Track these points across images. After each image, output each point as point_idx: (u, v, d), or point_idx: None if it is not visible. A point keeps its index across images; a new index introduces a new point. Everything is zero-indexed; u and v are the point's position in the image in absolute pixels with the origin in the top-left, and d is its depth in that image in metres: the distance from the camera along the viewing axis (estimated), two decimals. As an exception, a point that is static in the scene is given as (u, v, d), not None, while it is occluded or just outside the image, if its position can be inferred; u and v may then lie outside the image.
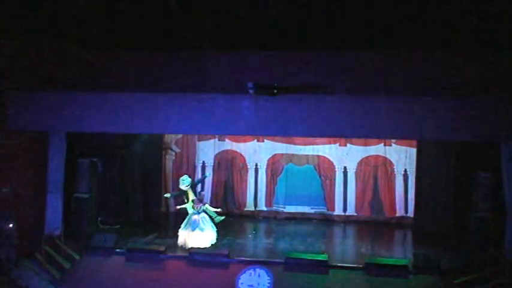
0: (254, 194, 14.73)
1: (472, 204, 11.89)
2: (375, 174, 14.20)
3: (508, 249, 10.48)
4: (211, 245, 11.50)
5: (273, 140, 14.49)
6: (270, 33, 9.91)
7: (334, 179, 14.39)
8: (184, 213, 11.88)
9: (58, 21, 10.38)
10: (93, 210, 13.31)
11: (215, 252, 11.16)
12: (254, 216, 14.58)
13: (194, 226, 11.49)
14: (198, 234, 11.44)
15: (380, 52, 9.95)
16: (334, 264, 10.71)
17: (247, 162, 14.77)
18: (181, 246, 11.47)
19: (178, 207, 12.41)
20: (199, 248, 11.27)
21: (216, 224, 11.71)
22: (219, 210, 12.06)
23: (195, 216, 11.60)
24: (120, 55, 10.81)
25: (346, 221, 14.28)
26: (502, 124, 9.56)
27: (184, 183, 11.61)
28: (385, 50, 9.94)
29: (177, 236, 11.67)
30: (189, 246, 11.33)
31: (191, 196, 11.62)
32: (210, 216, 11.77)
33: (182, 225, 11.67)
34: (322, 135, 12.87)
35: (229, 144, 14.86)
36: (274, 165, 14.66)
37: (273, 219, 14.53)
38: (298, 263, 10.69)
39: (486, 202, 11.65)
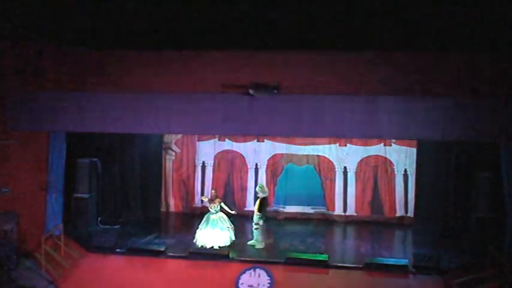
0: (254, 194, 14.72)
1: (472, 204, 11.89)
2: (375, 174, 14.19)
3: (508, 249, 10.49)
4: (230, 243, 11.59)
5: (273, 140, 14.48)
6: (270, 33, 9.91)
7: (334, 179, 14.38)
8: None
9: (58, 22, 10.38)
10: (93, 210, 13.34)
11: (215, 252, 11.18)
12: (254, 216, 14.58)
13: (213, 225, 11.55)
14: (218, 233, 11.48)
15: (380, 52, 9.95)
16: (334, 264, 10.71)
17: (247, 162, 14.77)
18: (202, 246, 11.48)
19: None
20: (220, 246, 11.38)
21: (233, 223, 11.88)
22: (233, 212, 12.06)
23: (213, 216, 11.65)
24: (120, 55, 10.80)
25: (346, 221, 14.27)
26: (502, 124, 9.57)
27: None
28: (384, 50, 9.94)
29: (176, 236, 11.71)
30: (210, 246, 11.39)
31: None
32: (228, 215, 11.83)
33: (200, 226, 11.70)
34: (322, 135, 12.87)
35: (229, 144, 14.86)
36: (274, 165, 14.66)
37: (273, 219, 14.53)
38: (298, 263, 10.69)
39: (486, 202, 11.66)
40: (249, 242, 11.92)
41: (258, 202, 11.94)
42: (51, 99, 10.93)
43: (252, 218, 11.91)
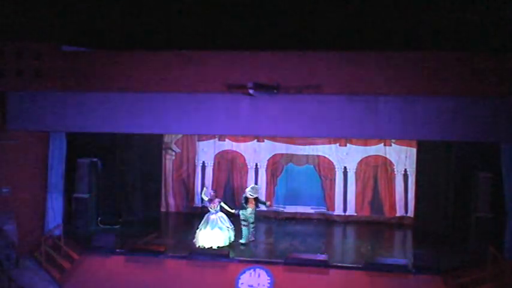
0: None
1: (472, 204, 11.89)
2: (375, 174, 14.19)
3: (508, 249, 10.49)
4: (230, 243, 11.60)
5: (273, 140, 14.48)
6: (270, 33, 9.92)
7: (334, 179, 14.38)
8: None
9: (58, 22, 10.39)
10: (93, 210, 13.33)
11: (215, 252, 11.17)
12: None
13: (213, 225, 11.53)
14: (218, 233, 11.47)
15: (380, 52, 9.95)
16: (334, 264, 10.71)
17: (247, 162, 14.76)
18: (200, 246, 11.48)
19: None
20: (219, 247, 11.39)
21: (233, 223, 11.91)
22: (233, 211, 12.07)
23: (213, 216, 11.63)
24: (120, 55, 10.80)
25: (346, 221, 14.27)
26: (502, 124, 9.57)
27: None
28: (385, 50, 9.94)
29: (176, 236, 11.69)
30: (209, 246, 11.38)
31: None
32: (227, 215, 11.84)
33: (200, 226, 11.70)
34: (322, 135, 12.87)
35: (229, 144, 14.85)
36: (274, 165, 14.65)
37: (273, 219, 14.53)
38: (298, 263, 10.69)
39: (486, 202, 11.64)
40: (241, 241, 11.99)
41: (253, 201, 12.02)
42: (51, 99, 10.93)
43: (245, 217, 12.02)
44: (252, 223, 12.07)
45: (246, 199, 12.07)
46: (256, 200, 12.14)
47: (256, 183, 14.60)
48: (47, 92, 10.91)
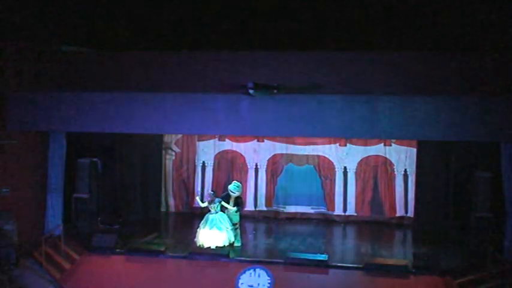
0: (254, 194, 14.73)
1: (472, 204, 11.89)
2: (375, 174, 14.18)
3: (508, 249, 10.49)
4: (229, 244, 11.50)
5: (273, 140, 14.47)
6: (270, 33, 9.92)
7: (334, 179, 14.37)
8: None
9: (58, 22, 10.40)
10: (93, 210, 13.32)
11: (215, 252, 11.17)
12: (254, 216, 14.59)
13: (212, 225, 11.50)
14: (216, 233, 11.44)
15: (380, 52, 9.96)
16: (334, 264, 10.72)
17: (247, 162, 14.76)
18: (200, 245, 11.46)
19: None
20: (217, 247, 11.32)
21: (234, 223, 11.75)
22: (234, 208, 11.98)
23: (213, 216, 11.61)
24: (120, 55, 10.80)
25: (346, 221, 14.27)
26: (502, 124, 9.57)
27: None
28: (385, 50, 9.95)
29: (176, 236, 11.68)
30: (207, 246, 11.36)
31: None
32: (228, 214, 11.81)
33: (200, 225, 11.68)
34: (322, 135, 12.87)
35: (229, 144, 14.85)
36: (274, 165, 14.65)
37: (273, 219, 14.53)
38: (298, 263, 10.69)
39: (486, 202, 11.65)
40: (236, 245, 11.75)
41: (233, 201, 11.77)
42: (50, 99, 10.93)
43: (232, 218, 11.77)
44: (234, 224, 11.78)
45: (228, 197, 11.79)
46: (238, 199, 11.88)
47: (256, 183, 14.63)
48: (47, 92, 10.90)
